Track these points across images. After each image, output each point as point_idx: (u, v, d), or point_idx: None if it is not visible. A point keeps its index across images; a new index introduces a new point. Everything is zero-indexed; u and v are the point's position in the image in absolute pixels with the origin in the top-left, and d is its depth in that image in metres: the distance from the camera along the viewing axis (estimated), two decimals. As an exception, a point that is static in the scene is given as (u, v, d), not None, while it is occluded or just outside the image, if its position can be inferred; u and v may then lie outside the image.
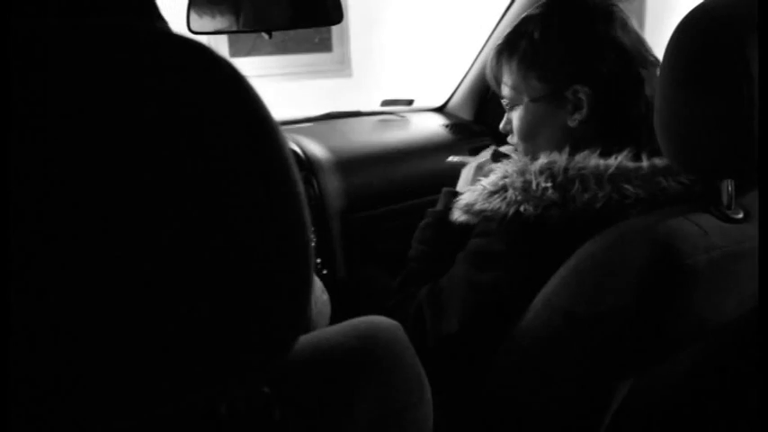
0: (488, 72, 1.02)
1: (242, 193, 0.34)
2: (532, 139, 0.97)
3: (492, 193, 0.87)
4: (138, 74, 0.32)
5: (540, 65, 0.92)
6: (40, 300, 0.30)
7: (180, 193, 0.32)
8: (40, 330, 0.31)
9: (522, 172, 0.85)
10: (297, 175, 0.36)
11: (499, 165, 0.91)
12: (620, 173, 0.82)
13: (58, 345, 0.31)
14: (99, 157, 0.30)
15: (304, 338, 0.49)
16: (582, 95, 0.90)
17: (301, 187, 0.36)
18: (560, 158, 0.85)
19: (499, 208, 0.85)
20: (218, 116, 0.33)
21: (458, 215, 0.92)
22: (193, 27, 1.18)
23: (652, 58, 0.90)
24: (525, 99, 0.95)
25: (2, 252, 0.29)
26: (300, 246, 0.36)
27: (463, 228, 0.93)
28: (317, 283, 0.81)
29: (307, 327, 0.53)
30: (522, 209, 0.82)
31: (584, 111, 0.90)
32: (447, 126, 1.72)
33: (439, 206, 1.10)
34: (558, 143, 0.91)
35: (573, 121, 0.91)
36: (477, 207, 0.88)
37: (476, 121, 1.78)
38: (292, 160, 0.36)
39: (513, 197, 0.84)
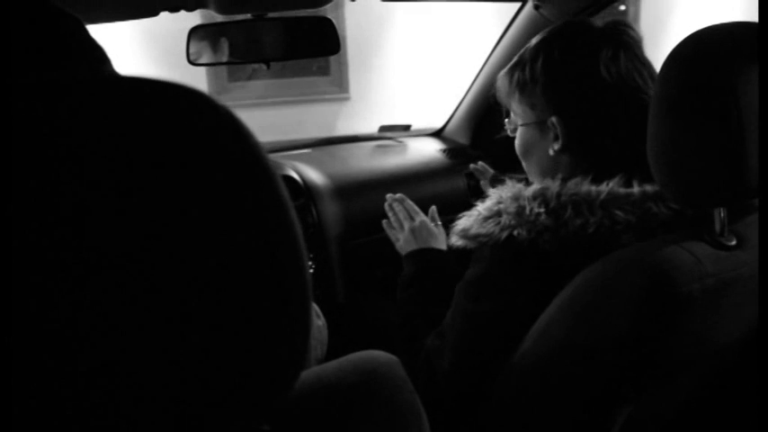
0: (498, 95, 1.08)
1: (239, 239, 0.35)
2: (528, 160, 1.03)
3: (486, 218, 0.89)
4: (137, 123, 0.33)
5: (528, 94, 0.96)
6: (38, 313, 0.31)
7: (176, 238, 0.33)
8: (34, 360, 0.31)
9: (515, 197, 0.87)
10: (294, 218, 0.37)
11: (494, 190, 0.92)
12: (611, 199, 0.84)
13: (49, 380, 0.32)
14: (96, 206, 0.31)
15: (304, 375, 0.49)
16: (558, 126, 0.92)
17: (299, 230, 0.37)
18: (553, 185, 0.87)
19: (493, 232, 0.86)
20: (214, 163, 0.34)
21: (454, 240, 0.94)
22: (193, 58, 1.20)
23: (644, 96, 0.90)
24: (519, 122, 1.00)
25: (3, 259, 0.30)
26: (298, 288, 0.37)
27: (457, 256, 0.95)
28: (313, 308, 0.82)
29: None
30: (515, 233, 0.84)
31: (560, 141, 0.93)
32: (444, 151, 1.74)
33: (407, 270, 1.17)
34: (544, 168, 0.97)
35: (552, 150, 0.94)
36: (473, 232, 0.90)
37: (472, 145, 1.80)
38: (290, 205, 0.37)
39: (507, 222, 0.85)
